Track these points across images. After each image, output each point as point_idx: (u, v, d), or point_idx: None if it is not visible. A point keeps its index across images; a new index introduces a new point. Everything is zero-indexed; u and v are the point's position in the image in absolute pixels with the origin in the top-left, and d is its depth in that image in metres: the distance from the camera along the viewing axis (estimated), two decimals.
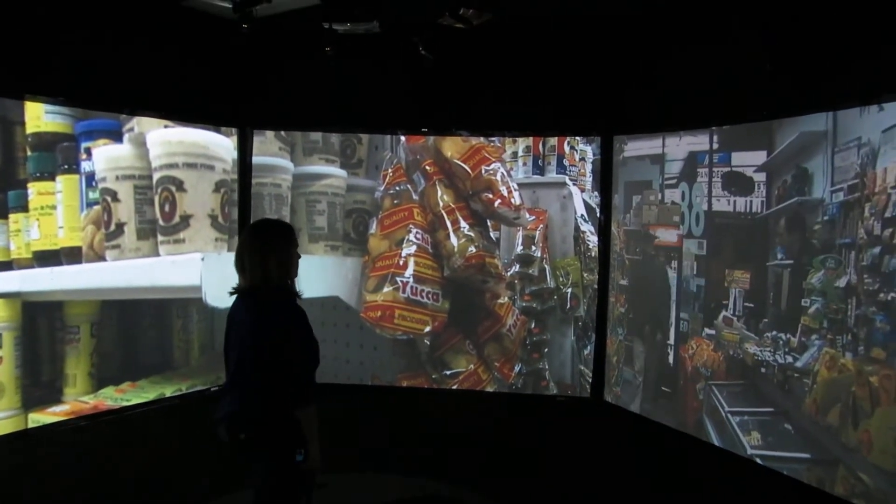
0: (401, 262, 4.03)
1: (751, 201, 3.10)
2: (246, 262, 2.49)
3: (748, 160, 3.12)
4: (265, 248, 2.49)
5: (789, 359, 2.92)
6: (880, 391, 2.53)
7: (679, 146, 3.47)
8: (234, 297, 2.58)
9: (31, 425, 3.19)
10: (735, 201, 3.18)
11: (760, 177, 3.06)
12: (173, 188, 3.68)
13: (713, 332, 3.30)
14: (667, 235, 3.56)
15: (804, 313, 2.85)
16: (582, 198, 3.96)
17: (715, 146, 3.29)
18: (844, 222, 2.68)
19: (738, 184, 3.16)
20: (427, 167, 4.07)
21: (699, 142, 3.36)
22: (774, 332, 2.99)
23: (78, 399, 3.39)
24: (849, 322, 2.67)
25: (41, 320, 3.27)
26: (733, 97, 3.16)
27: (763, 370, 3.05)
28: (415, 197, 4.09)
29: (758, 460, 3.05)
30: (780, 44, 2.86)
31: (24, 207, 3.16)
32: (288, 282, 2.54)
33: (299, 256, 2.61)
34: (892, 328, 2.50)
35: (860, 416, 2.61)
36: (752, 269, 3.11)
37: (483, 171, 3.97)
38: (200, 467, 3.64)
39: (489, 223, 4.04)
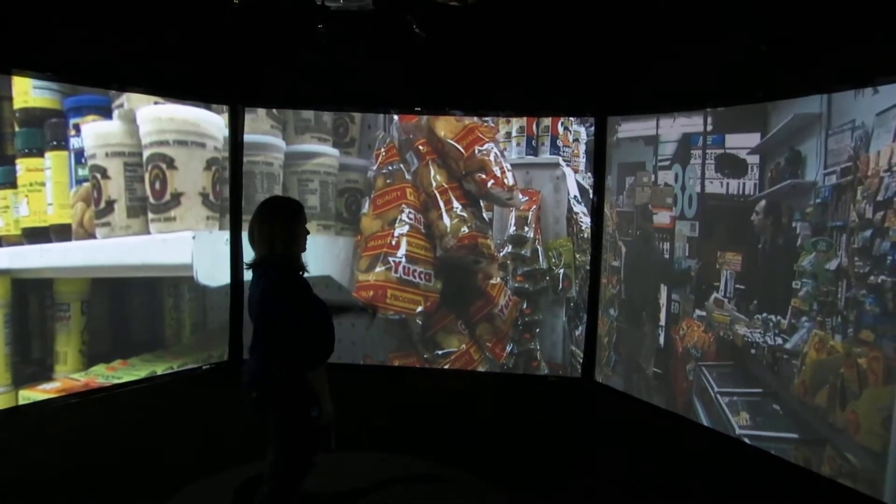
0: (393, 242, 4.03)
1: (744, 184, 3.11)
2: (255, 237, 2.66)
3: (742, 142, 3.11)
4: (272, 224, 2.63)
5: (779, 340, 2.95)
6: (868, 373, 2.56)
7: (673, 128, 3.47)
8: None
9: (21, 402, 3.19)
10: (728, 183, 3.18)
11: (754, 159, 3.07)
12: (164, 165, 3.65)
13: (704, 313, 3.32)
14: (660, 217, 3.56)
15: (795, 295, 2.87)
16: (575, 179, 3.95)
17: (709, 128, 3.28)
18: (837, 205, 2.69)
19: (731, 166, 3.16)
20: (420, 147, 4.05)
21: (693, 123, 3.35)
22: (765, 314, 3.01)
23: (69, 376, 3.39)
24: (839, 304, 2.69)
25: (31, 297, 3.25)
26: (728, 79, 3.15)
27: (753, 351, 3.07)
28: (407, 177, 4.07)
29: (746, 440, 3.09)
30: (775, 26, 2.84)
31: (12, 184, 3.13)
32: (292, 256, 2.66)
33: (308, 232, 2.74)
34: (881, 310, 2.52)
35: (848, 397, 2.64)
36: (744, 251, 3.12)
37: (476, 152, 3.96)
38: (192, 445, 3.65)
39: (482, 203, 4.03)
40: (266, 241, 2.62)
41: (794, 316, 2.88)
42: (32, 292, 3.25)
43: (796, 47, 2.82)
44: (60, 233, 3.31)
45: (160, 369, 3.77)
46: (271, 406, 2.67)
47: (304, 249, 2.73)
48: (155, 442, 3.53)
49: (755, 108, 3.05)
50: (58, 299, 3.36)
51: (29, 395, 3.22)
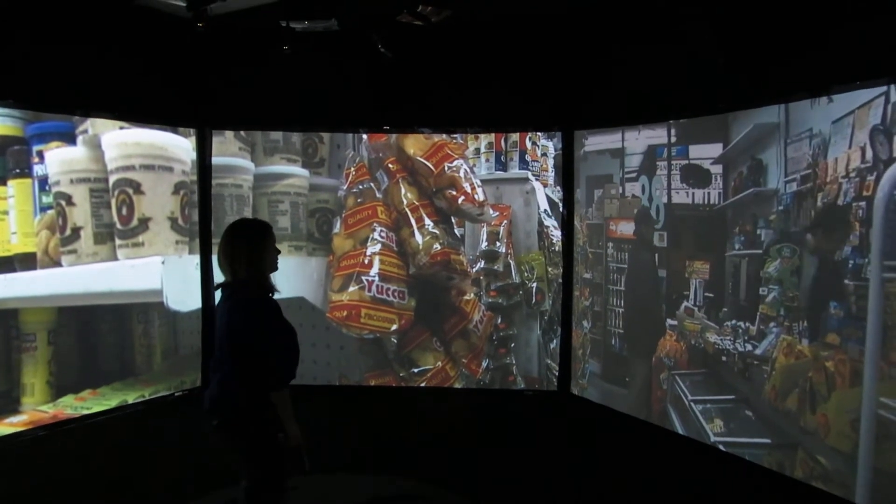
0: (366, 261, 4.02)
1: (708, 193, 3.16)
2: (221, 261, 2.69)
3: (705, 153, 3.17)
4: (236, 246, 2.66)
5: (749, 347, 2.99)
6: (836, 375, 2.60)
7: (638, 140, 3.52)
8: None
9: None
10: (693, 193, 3.23)
11: (717, 169, 3.12)
12: (130, 191, 3.61)
13: (675, 322, 3.35)
14: (628, 228, 3.60)
15: (762, 302, 2.91)
16: (545, 193, 3.99)
17: (673, 139, 3.34)
18: (798, 211, 2.75)
19: (695, 176, 3.22)
20: (390, 165, 4.06)
21: (657, 135, 3.41)
22: (734, 321, 3.05)
23: (36, 408, 3.31)
24: (804, 309, 2.73)
25: None
26: (689, 91, 3.21)
27: (724, 358, 3.11)
28: (378, 195, 4.07)
29: (721, 447, 3.11)
30: (732, 38, 2.91)
31: None
32: (259, 278, 2.67)
33: (278, 252, 2.76)
34: (845, 314, 2.57)
35: (817, 400, 2.68)
36: (712, 259, 3.16)
37: (446, 168, 3.98)
38: (164, 474, 3.58)
39: (453, 220, 4.04)
40: (230, 264, 2.64)
41: (762, 322, 2.92)
42: None
43: (754, 58, 2.89)
44: (25, 262, 3.25)
45: (131, 398, 3.70)
46: (234, 432, 2.64)
47: (272, 270, 2.74)
48: (127, 472, 3.46)
49: (717, 118, 3.11)
50: (23, 329, 3.28)
51: None
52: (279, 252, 2.77)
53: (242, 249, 2.64)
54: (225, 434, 2.65)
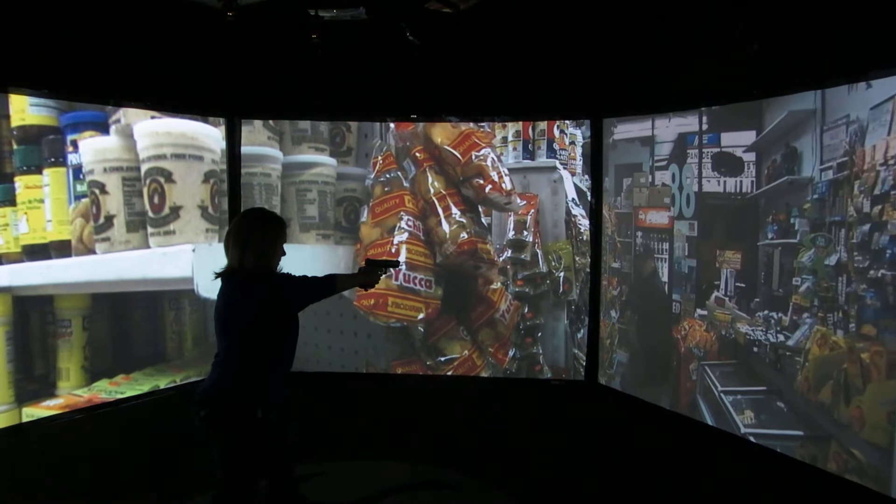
0: (393, 250, 4.02)
1: (741, 181, 3.11)
2: (229, 246, 2.57)
3: (737, 140, 3.12)
4: (249, 235, 2.55)
5: (781, 337, 2.94)
6: (871, 367, 2.55)
7: (668, 128, 3.47)
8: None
9: (25, 420, 3.19)
10: (725, 182, 3.18)
11: (750, 157, 3.07)
12: (162, 179, 3.66)
13: (705, 312, 3.31)
14: (658, 217, 3.56)
15: (795, 292, 2.86)
16: (573, 181, 3.96)
17: (704, 127, 3.29)
18: (834, 200, 2.69)
19: (727, 164, 3.16)
20: (417, 154, 4.06)
21: (688, 123, 3.36)
22: (766, 312, 3.01)
23: (72, 392, 3.39)
24: (839, 299, 2.68)
25: (32, 314, 3.25)
26: (721, 77, 3.15)
27: (755, 349, 3.06)
28: (405, 184, 4.08)
29: (751, 438, 3.07)
30: (766, 23, 2.85)
31: (11, 201, 3.14)
32: (266, 269, 2.58)
33: (284, 253, 2.65)
34: (882, 305, 2.51)
35: (852, 392, 2.63)
36: (743, 249, 3.11)
37: (473, 157, 3.96)
38: (196, 459, 3.63)
39: (480, 209, 4.03)
40: (237, 252, 2.53)
41: (795, 312, 2.88)
42: (34, 309, 3.26)
43: (788, 44, 2.82)
44: (60, 249, 3.32)
45: (163, 383, 3.77)
46: (222, 423, 2.54)
47: (276, 268, 2.64)
48: (159, 456, 3.53)
49: (749, 105, 3.05)
50: (59, 315, 3.36)
51: (32, 413, 3.22)
52: (284, 254, 2.66)
53: (256, 242, 2.53)
54: (211, 426, 2.54)
